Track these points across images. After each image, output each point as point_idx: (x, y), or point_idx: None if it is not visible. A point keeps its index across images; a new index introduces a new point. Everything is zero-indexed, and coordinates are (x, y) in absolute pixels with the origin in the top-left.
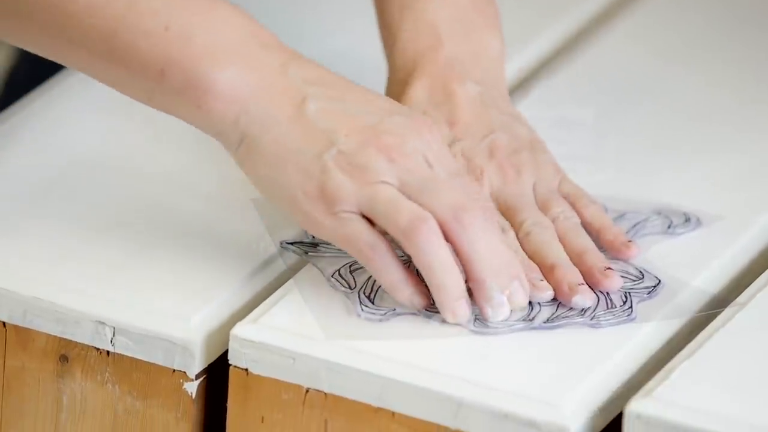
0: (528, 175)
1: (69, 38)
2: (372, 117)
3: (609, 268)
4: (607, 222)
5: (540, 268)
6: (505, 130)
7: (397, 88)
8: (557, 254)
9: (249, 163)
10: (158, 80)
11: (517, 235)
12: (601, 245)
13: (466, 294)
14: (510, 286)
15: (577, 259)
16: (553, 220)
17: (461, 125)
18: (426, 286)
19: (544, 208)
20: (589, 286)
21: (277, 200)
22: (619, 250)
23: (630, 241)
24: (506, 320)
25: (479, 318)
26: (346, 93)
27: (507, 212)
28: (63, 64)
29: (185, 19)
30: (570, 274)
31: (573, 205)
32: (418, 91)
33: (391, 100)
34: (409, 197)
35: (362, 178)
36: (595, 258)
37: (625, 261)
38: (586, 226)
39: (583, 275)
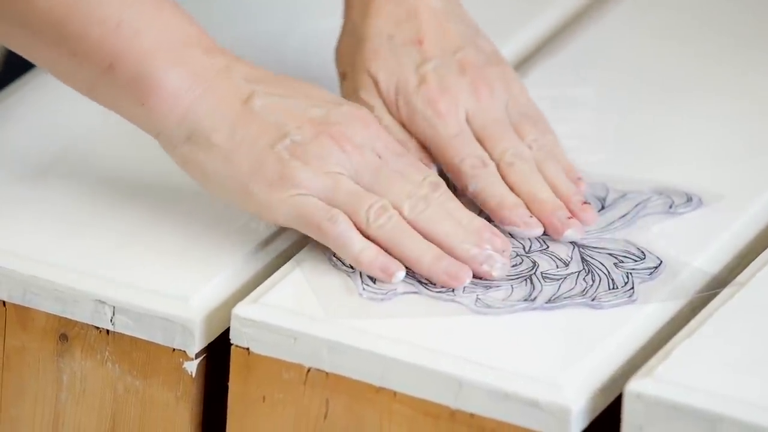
0: (500, 93)
1: (19, 21)
2: (319, 109)
3: (585, 203)
4: (561, 150)
5: (526, 202)
6: (472, 44)
7: (356, 18)
8: (541, 188)
9: (195, 161)
10: (105, 73)
11: (498, 165)
12: None
13: (445, 254)
14: (483, 242)
15: (553, 190)
16: (529, 147)
17: (429, 42)
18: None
19: (518, 131)
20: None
21: (227, 194)
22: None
23: (580, 177)
24: (507, 300)
25: (481, 298)
26: (289, 89)
27: (485, 139)
28: (7, 46)
29: (136, 15)
30: (559, 209)
31: (536, 125)
32: (380, 13)
33: (330, 93)
34: (363, 187)
35: (319, 166)
36: (571, 191)
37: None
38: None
39: None
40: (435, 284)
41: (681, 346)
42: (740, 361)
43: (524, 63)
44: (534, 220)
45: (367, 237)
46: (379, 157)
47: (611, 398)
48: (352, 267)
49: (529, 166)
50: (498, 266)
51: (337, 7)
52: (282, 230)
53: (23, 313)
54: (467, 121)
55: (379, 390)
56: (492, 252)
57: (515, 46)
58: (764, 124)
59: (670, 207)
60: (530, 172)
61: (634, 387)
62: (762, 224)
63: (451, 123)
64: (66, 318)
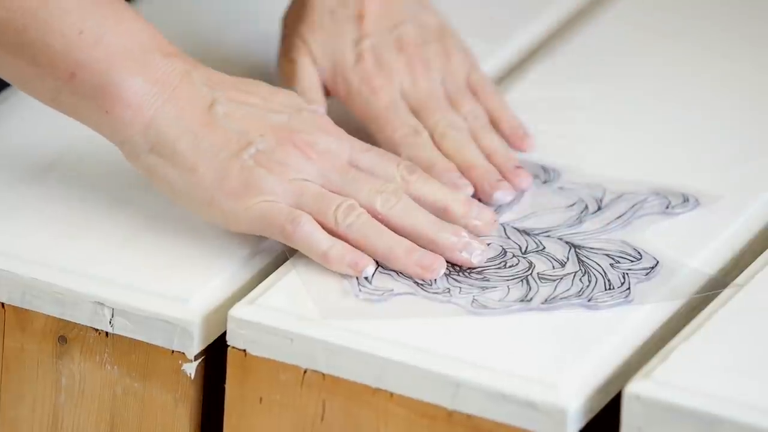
0: (437, 69)
1: None
2: (280, 116)
3: (518, 167)
4: (507, 114)
5: (459, 170)
6: (414, 20)
7: None
8: (474, 155)
9: (159, 171)
10: (67, 81)
11: (432, 137)
12: (501, 135)
13: (417, 246)
14: (458, 230)
15: (488, 159)
16: (464, 119)
17: (369, 18)
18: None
19: (454, 104)
20: None
21: (191, 204)
22: (514, 141)
23: (526, 135)
24: (504, 301)
25: (477, 299)
26: (249, 95)
27: (419, 113)
28: None
29: (97, 24)
30: (489, 173)
31: (477, 95)
32: None
33: (291, 93)
34: (333, 191)
35: (284, 173)
36: (505, 158)
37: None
38: (488, 116)
39: None
40: (432, 286)
41: (680, 348)
42: (739, 364)
43: (522, 64)
44: (464, 181)
45: (338, 237)
46: (347, 157)
47: (608, 399)
48: None
49: (461, 135)
50: (477, 253)
51: None
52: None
53: (22, 315)
54: (402, 97)
55: (376, 391)
56: (470, 240)
57: (513, 47)
58: (762, 125)
59: (667, 207)
60: (463, 141)
61: (633, 389)
62: (759, 225)
63: (385, 97)
64: (65, 320)
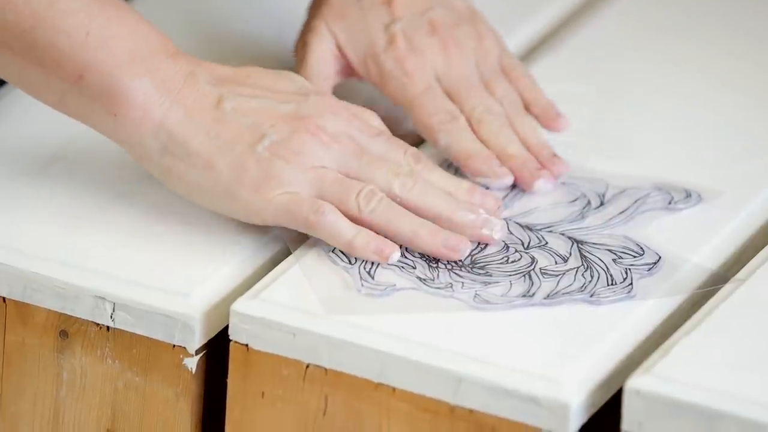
0: (470, 50)
1: None
2: (288, 105)
3: (554, 155)
4: (538, 95)
5: (496, 156)
6: (443, 4)
7: None
8: (513, 143)
9: (174, 172)
10: (74, 84)
11: (469, 122)
12: (533, 115)
13: (441, 228)
14: (477, 206)
15: (524, 145)
16: (500, 103)
17: (398, 2)
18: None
19: (489, 87)
20: None
21: (211, 202)
22: (547, 122)
23: (559, 114)
24: (506, 296)
25: (479, 294)
26: (255, 87)
27: (455, 96)
28: None
29: (103, 25)
30: (529, 161)
31: (509, 77)
32: None
33: (294, 76)
34: (349, 176)
35: (302, 162)
36: (540, 146)
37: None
38: (520, 98)
39: None
40: (434, 281)
41: (681, 343)
42: (740, 358)
43: (525, 59)
44: (504, 169)
45: (360, 223)
46: (357, 142)
47: (610, 394)
48: (350, 263)
49: (498, 121)
50: (497, 228)
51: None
52: (282, 227)
53: (23, 309)
54: (437, 80)
55: (378, 386)
56: (488, 216)
57: (515, 43)
58: (764, 120)
59: (670, 203)
60: (500, 126)
61: (634, 384)
62: (761, 220)
63: (420, 81)
64: (66, 314)
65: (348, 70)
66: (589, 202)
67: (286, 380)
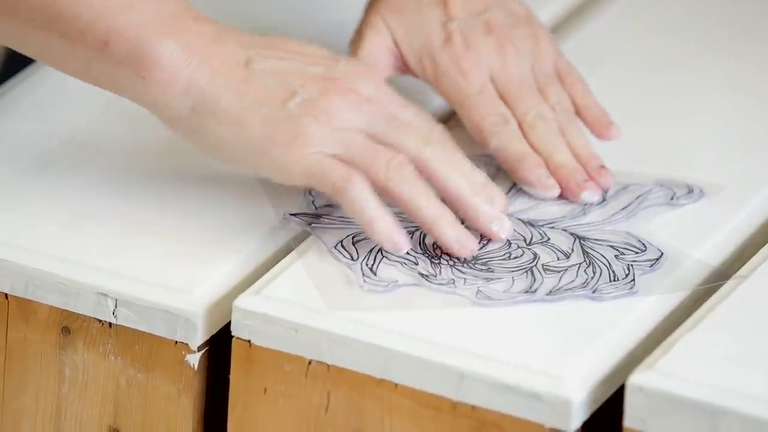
0: (527, 53)
1: (8, 9)
2: (318, 68)
3: (602, 167)
4: (591, 101)
5: (546, 163)
6: (500, 5)
7: None
8: (562, 151)
9: (204, 131)
10: (100, 50)
11: (520, 126)
12: (584, 123)
13: (458, 222)
14: (490, 199)
15: (573, 154)
16: (552, 109)
17: (454, 3)
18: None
19: (542, 91)
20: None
21: (239, 159)
22: (599, 130)
23: (611, 123)
24: (508, 292)
25: (482, 290)
26: (283, 51)
27: (508, 98)
28: None
29: None
30: (578, 173)
31: (563, 82)
32: None
33: (323, 47)
34: (378, 140)
35: (331, 122)
36: (589, 156)
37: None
38: (572, 103)
39: None
40: (436, 277)
41: (683, 339)
42: (742, 355)
43: None
44: (552, 181)
45: (384, 191)
46: (386, 108)
47: (612, 390)
48: (353, 259)
49: (550, 127)
50: (506, 228)
51: (338, 3)
52: (283, 223)
53: (25, 305)
54: (492, 80)
55: (380, 382)
56: (501, 214)
57: None
58: (765, 118)
59: (672, 198)
60: (551, 133)
61: (636, 380)
62: (763, 217)
63: (474, 81)
64: (68, 311)
65: (402, 67)
66: None
67: (289, 376)
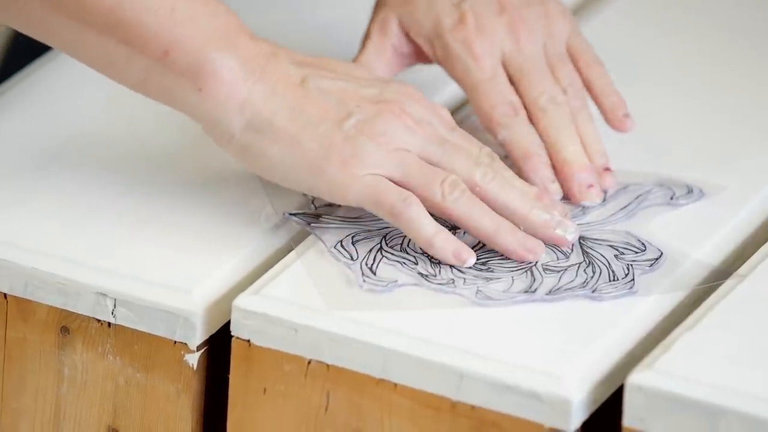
0: (539, 32)
1: (71, 12)
2: (371, 89)
3: (607, 169)
4: (608, 86)
5: (552, 154)
6: None
7: None
8: (571, 143)
9: (257, 148)
10: (159, 60)
11: (532, 109)
12: (597, 109)
13: (518, 229)
14: (549, 208)
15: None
16: (564, 91)
17: None
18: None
19: (553, 70)
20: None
21: (294, 178)
22: (612, 121)
23: (627, 116)
24: (508, 292)
25: (481, 290)
26: (335, 71)
27: (520, 81)
28: (46, 41)
29: (189, 2)
30: (583, 173)
31: (577, 62)
32: None
33: (370, 72)
34: (430, 162)
35: (387, 143)
36: (597, 154)
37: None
38: (587, 86)
39: None
40: (436, 277)
41: (682, 339)
42: (742, 354)
43: None
44: (555, 186)
45: (441, 211)
46: (437, 130)
47: (612, 390)
48: (352, 259)
49: (562, 112)
50: (571, 230)
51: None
52: (283, 222)
53: (24, 305)
54: (503, 62)
55: (380, 382)
56: (562, 218)
57: None
58: (764, 117)
59: (671, 198)
60: (562, 119)
61: (635, 379)
62: (763, 217)
63: (486, 66)
64: (67, 310)
65: (414, 56)
66: None
67: (288, 376)
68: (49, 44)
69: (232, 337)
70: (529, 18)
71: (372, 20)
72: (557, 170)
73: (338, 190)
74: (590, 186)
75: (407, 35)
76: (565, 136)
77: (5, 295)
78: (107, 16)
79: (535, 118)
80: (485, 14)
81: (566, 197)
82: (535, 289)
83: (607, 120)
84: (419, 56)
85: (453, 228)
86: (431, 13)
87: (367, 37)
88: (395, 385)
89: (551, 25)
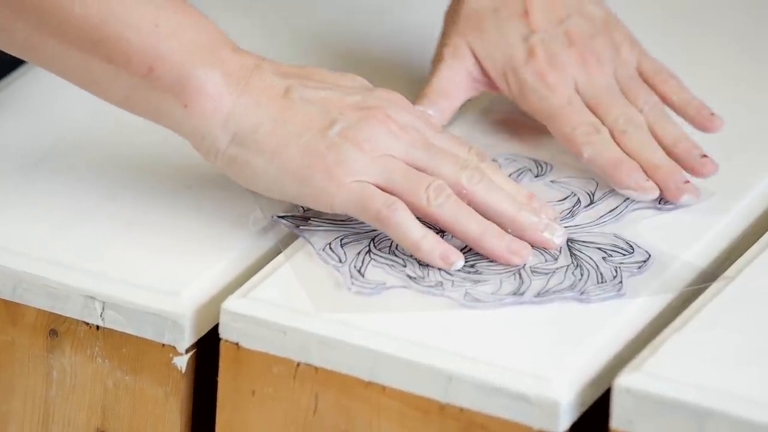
0: (609, 61)
1: (54, 30)
2: (355, 96)
3: (704, 156)
4: (687, 95)
5: (642, 168)
6: (579, 12)
7: None
8: (658, 154)
9: (242, 160)
10: (144, 76)
11: (612, 133)
12: (684, 119)
13: (505, 232)
14: (537, 211)
15: (670, 149)
16: (641, 111)
17: (534, 14)
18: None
19: (628, 96)
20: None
21: (279, 188)
22: (702, 123)
23: (713, 114)
24: (496, 294)
25: (470, 292)
26: (319, 81)
27: (596, 108)
28: (30, 59)
29: (171, 18)
30: (676, 173)
31: (652, 81)
32: None
33: (356, 76)
34: (416, 167)
35: (371, 149)
36: (689, 146)
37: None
38: (666, 102)
39: (679, 163)
40: (424, 279)
41: (670, 340)
42: (729, 355)
43: None
44: (650, 183)
45: (427, 216)
46: (423, 134)
47: (600, 392)
48: (340, 261)
49: (642, 131)
50: (559, 233)
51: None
52: (272, 225)
53: (13, 308)
54: (577, 92)
55: (369, 384)
56: (549, 221)
57: None
58: (753, 120)
59: (659, 202)
60: (643, 137)
61: (623, 381)
62: (750, 219)
63: (561, 94)
64: (56, 314)
65: (485, 84)
66: (579, 201)
67: (277, 378)
68: (33, 63)
69: (220, 339)
70: (598, 48)
71: (443, 44)
72: (650, 177)
73: (324, 198)
74: (686, 182)
75: (480, 64)
76: (650, 150)
77: None
78: (90, 33)
79: (617, 141)
80: (555, 47)
81: (664, 199)
82: (524, 292)
83: (696, 125)
84: (489, 85)
85: (441, 232)
86: (502, 48)
87: (439, 60)
88: (384, 387)
89: (619, 52)
